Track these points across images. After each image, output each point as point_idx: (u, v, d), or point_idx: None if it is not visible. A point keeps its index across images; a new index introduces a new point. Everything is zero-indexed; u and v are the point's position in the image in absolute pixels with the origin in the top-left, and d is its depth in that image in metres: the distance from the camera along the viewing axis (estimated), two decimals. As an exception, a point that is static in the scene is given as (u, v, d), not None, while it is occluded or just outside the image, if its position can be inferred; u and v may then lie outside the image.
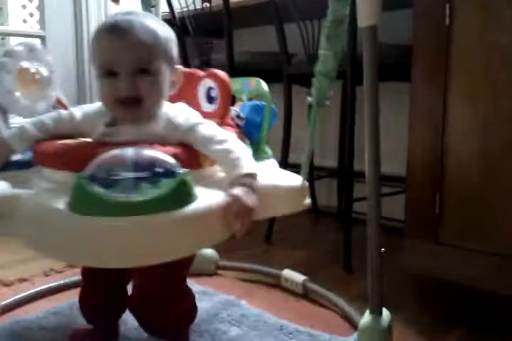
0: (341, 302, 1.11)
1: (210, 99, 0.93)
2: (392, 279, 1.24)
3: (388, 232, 1.35)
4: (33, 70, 0.97)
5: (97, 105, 0.83)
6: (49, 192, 0.69)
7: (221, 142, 0.75)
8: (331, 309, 1.12)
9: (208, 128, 0.78)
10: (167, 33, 0.79)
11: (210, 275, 1.33)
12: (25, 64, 0.96)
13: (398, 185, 1.64)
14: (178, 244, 0.64)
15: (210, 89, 0.92)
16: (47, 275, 1.33)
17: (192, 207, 0.64)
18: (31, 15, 4.19)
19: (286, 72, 1.61)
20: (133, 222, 0.59)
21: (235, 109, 0.96)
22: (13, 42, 3.82)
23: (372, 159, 0.76)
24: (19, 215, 0.67)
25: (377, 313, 0.80)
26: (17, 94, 0.94)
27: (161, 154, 0.65)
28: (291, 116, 1.63)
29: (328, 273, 1.36)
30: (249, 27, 2.15)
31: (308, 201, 0.89)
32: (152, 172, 0.62)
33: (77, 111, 0.83)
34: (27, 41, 1.00)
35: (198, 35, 1.89)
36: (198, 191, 0.66)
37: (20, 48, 0.95)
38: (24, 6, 4.19)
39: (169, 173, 0.62)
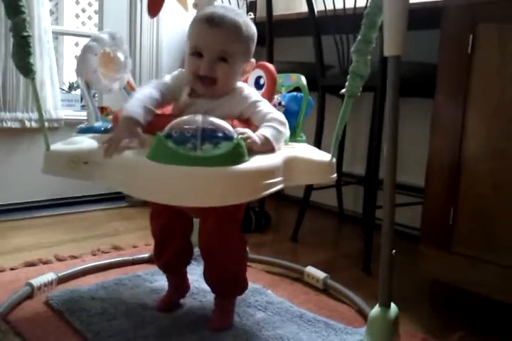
0: (357, 298, 1.20)
1: (259, 86, 1.10)
2: (405, 282, 1.34)
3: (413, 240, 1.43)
4: (112, 55, 1.12)
5: (181, 74, 0.99)
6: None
7: (272, 118, 0.92)
8: (347, 304, 1.21)
9: (266, 105, 0.96)
10: (251, 32, 0.95)
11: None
12: (107, 49, 1.11)
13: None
14: (226, 193, 0.77)
15: (259, 77, 1.10)
16: (94, 255, 1.47)
17: (243, 166, 0.77)
18: (83, 10, 4.44)
19: (320, 84, 1.72)
20: (195, 171, 0.74)
21: (277, 98, 1.11)
22: (67, 40, 4.07)
23: (389, 166, 0.85)
24: (108, 164, 0.83)
25: (385, 306, 0.89)
26: (99, 73, 1.08)
27: (223, 122, 0.80)
28: (323, 122, 1.73)
29: (348, 273, 1.44)
30: (288, 37, 2.25)
31: (334, 176, 1.01)
32: (214, 134, 0.76)
33: (167, 78, 1.00)
34: (110, 30, 1.15)
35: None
36: (250, 155, 0.80)
37: (104, 35, 1.10)
38: (78, 2, 4.44)
39: (228, 137, 0.77)
